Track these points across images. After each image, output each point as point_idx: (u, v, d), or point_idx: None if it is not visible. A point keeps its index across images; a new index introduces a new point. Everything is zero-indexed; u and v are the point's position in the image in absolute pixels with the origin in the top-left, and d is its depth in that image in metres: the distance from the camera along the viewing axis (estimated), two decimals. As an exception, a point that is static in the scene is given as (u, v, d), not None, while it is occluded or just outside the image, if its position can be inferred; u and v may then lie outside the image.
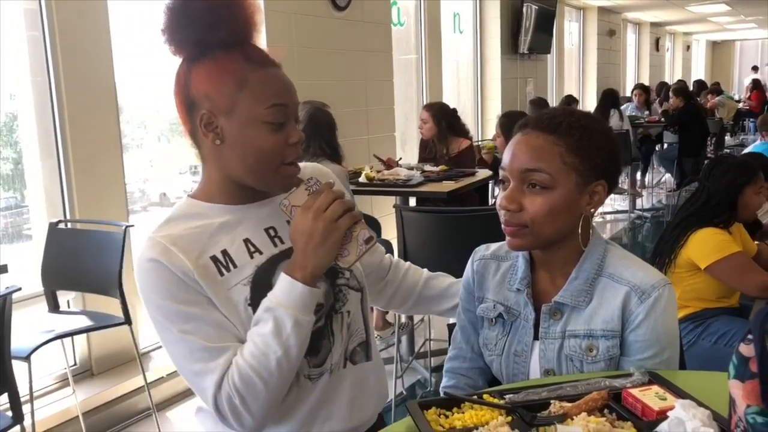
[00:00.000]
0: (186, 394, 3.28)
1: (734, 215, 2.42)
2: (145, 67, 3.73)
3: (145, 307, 1.10)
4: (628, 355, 1.17)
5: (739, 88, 18.24)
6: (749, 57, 20.62)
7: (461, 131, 4.63)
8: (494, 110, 7.28)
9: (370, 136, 4.96)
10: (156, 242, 1.08)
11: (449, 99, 6.42)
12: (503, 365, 1.25)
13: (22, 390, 2.08)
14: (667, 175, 8.39)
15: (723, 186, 2.41)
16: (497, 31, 7.37)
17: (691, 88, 11.09)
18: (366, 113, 4.94)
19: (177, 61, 1.13)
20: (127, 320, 2.64)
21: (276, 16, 3.99)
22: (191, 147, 1.16)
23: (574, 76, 10.64)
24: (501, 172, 1.19)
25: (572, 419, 0.92)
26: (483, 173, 4.07)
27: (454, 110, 4.72)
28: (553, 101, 8.77)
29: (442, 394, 1.26)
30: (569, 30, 10.15)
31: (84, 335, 2.98)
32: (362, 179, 3.69)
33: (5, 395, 1.97)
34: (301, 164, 1.17)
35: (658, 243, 2.53)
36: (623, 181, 7.17)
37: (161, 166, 4.48)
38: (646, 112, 8.85)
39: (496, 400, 1.01)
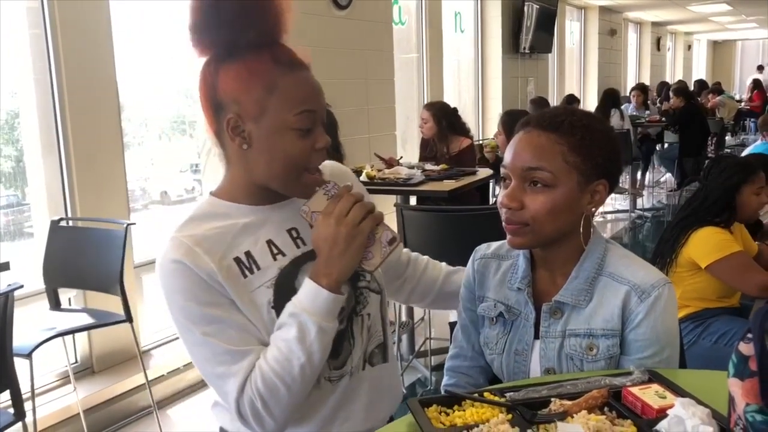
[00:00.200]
0: (187, 392, 3.29)
1: (734, 215, 2.42)
2: (147, 65, 3.74)
3: (168, 308, 1.09)
4: (628, 354, 1.17)
5: (740, 87, 18.23)
6: (750, 57, 20.61)
7: (462, 130, 4.64)
8: (495, 109, 7.29)
9: (371, 135, 4.96)
10: (180, 242, 1.07)
11: (450, 98, 6.43)
12: (504, 364, 1.25)
13: (24, 387, 2.08)
14: (668, 175, 8.39)
15: (720, 185, 2.42)
16: (498, 31, 7.37)
17: (691, 88, 11.10)
18: (367, 112, 4.94)
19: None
20: (128, 318, 2.64)
21: (277, 15, 3.99)
22: (215, 146, 1.15)
23: (575, 75, 10.64)
24: (502, 170, 1.20)
25: (572, 417, 0.93)
26: (484, 172, 4.07)
27: (455, 109, 4.72)
28: (554, 101, 8.77)
29: (443, 392, 1.27)
30: (570, 29, 10.15)
31: (85, 333, 2.99)
32: (363, 178, 3.69)
33: (7, 392, 1.97)
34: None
35: (659, 244, 2.53)
36: (624, 181, 7.17)
37: (162, 165, 4.48)
38: (647, 112, 8.85)
39: (496, 398, 1.01)
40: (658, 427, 0.89)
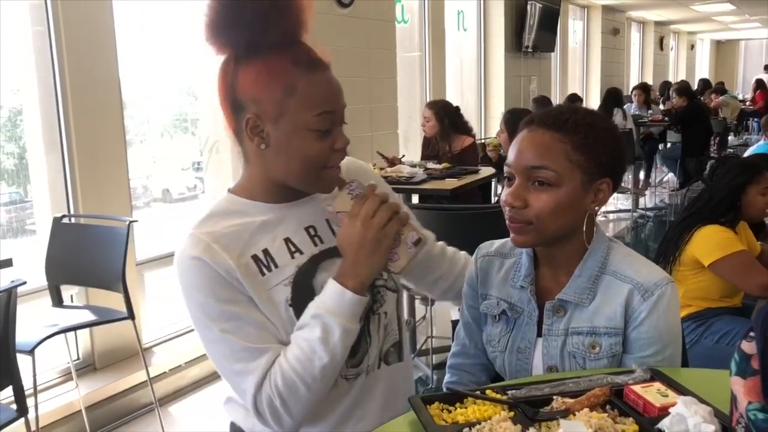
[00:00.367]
0: (188, 390, 3.29)
1: (738, 215, 2.42)
2: (149, 63, 3.74)
3: (186, 305, 1.10)
4: (630, 353, 1.17)
5: (743, 87, 18.20)
6: (754, 57, 20.57)
7: (464, 129, 4.63)
8: (497, 108, 7.28)
9: (373, 134, 4.96)
10: (198, 239, 1.08)
11: (452, 97, 6.42)
12: (506, 362, 1.25)
13: (26, 383, 2.08)
14: (670, 175, 8.38)
15: (725, 184, 2.42)
16: (501, 29, 7.37)
17: (695, 87, 11.07)
18: (369, 110, 4.94)
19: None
20: (131, 315, 2.64)
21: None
22: (234, 144, 1.15)
23: (578, 74, 10.62)
24: (506, 169, 1.19)
25: (574, 415, 0.93)
26: (486, 171, 4.07)
27: (457, 108, 4.72)
28: (557, 100, 8.76)
29: (445, 390, 1.27)
30: (573, 28, 10.14)
31: (87, 330, 2.99)
32: (365, 176, 3.68)
33: (10, 388, 1.98)
34: None
35: (662, 243, 2.53)
36: (626, 181, 7.16)
37: (164, 162, 4.48)
38: (649, 111, 8.83)
39: (498, 396, 1.02)
40: (659, 425, 0.89)
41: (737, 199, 2.40)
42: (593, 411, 0.94)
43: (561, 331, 1.19)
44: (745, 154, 3.61)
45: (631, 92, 9.43)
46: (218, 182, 3.81)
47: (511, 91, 7.60)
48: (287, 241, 1.14)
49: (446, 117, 4.49)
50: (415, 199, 3.78)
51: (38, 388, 2.46)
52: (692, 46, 17.98)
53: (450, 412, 0.99)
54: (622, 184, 6.85)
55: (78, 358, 3.06)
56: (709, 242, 2.34)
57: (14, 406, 2.01)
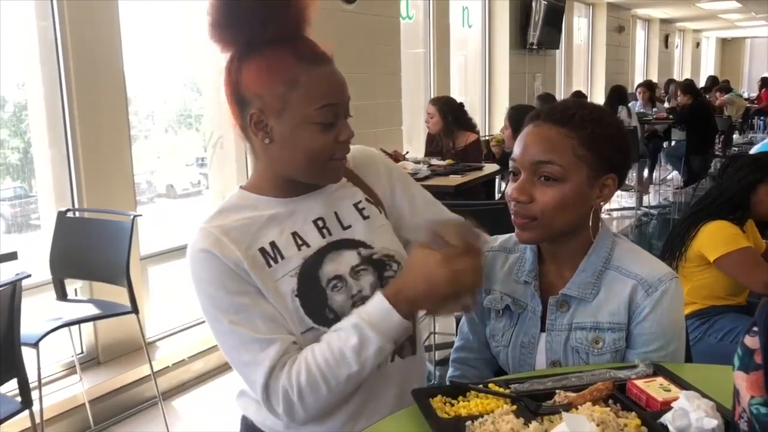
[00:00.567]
0: (192, 384, 3.30)
1: (747, 213, 2.41)
2: (154, 58, 3.75)
3: (197, 297, 1.11)
4: (633, 348, 1.17)
5: (748, 85, 18.13)
6: (759, 55, 20.49)
7: (468, 125, 4.63)
8: (502, 105, 7.27)
9: (377, 130, 4.96)
10: (208, 233, 1.10)
11: (457, 93, 6.41)
12: (510, 356, 1.25)
13: (31, 376, 2.09)
14: (674, 173, 8.36)
15: (736, 183, 2.40)
16: (506, 26, 7.35)
17: (702, 84, 11.01)
18: (373, 107, 4.93)
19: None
20: (134, 309, 2.65)
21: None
22: (243, 141, 1.16)
23: (583, 72, 10.60)
24: (511, 164, 1.19)
25: (577, 409, 0.93)
26: (490, 167, 4.07)
27: (461, 104, 4.71)
28: (561, 97, 8.74)
29: (447, 383, 1.27)
30: (578, 25, 10.11)
31: (91, 323, 3.00)
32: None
33: (14, 381, 1.99)
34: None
35: (668, 238, 2.52)
36: (630, 178, 7.15)
37: (168, 158, 4.49)
38: (654, 109, 8.81)
39: (501, 389, 1.02)
40: (662, 419, 0.89)
41: (747, 197, 2.39)
42: (596, 405, 0.94)
43: (564, 326, 1.19)
44: (751, 152, 3.59)
45: (636, 90, 9.42)
46: (222, 178, 3.81)
47: (516, 88, 7.59)
48: (294, 234, 1.15)
49: (450, 113, 4.49)
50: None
51: (42, 381, 2.47)
52: (698, 44, 17.92)
53: (453, 405, 0.99)
54: (626, 182, 6.85)
55: (82, 352, 3.06)
56: (716, 237, 2.33)
57: (19, 399, 2.01)
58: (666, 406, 0.92)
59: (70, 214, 2.88)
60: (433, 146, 4.67)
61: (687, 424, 0.87)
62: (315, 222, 1.17)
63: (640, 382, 1.00)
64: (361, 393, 1.15)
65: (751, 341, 0.80)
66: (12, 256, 2.35)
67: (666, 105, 9.82)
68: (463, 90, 7.24)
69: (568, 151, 1.14)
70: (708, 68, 18.80)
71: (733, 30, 17.68)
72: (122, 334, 3.10)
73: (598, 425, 0.85)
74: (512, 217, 1.19)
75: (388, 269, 1.19)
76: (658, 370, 1.05)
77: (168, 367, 3.22)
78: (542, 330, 1.22)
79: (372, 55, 4.89)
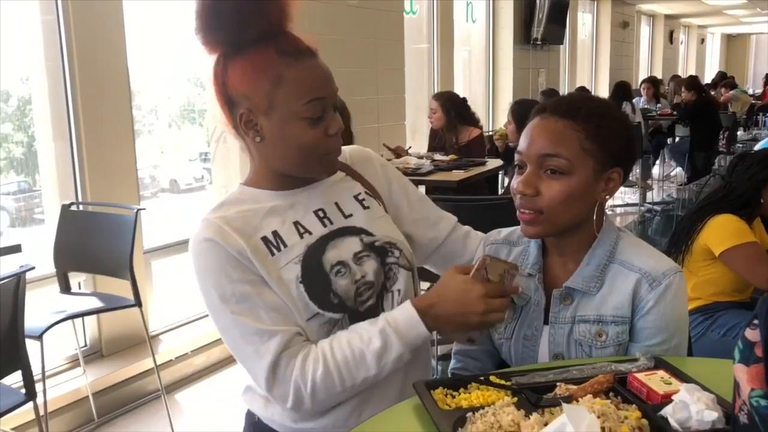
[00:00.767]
0: (195, 377, 3.32)
1: (756, 210, 2.40)
2: (157, 53, 3.75)
3: (199, 288, 1.11)
4: (636, 341, 1.18)
5: (753, 82, 18.06)
6: (764, 51, 20.42)
7: (471, 120, 4.63)
8: (506, 100, 7.26)
9: (381, 125, 4.96)
10: (211, 223, 1.11)
11: (460, 88, 6.40)
12: (512, 349, 1.25)
13: (35, 369, 2.10)
14: (678, 169, 8.34)
15: (746, 180, 2.40)
16: (510, 21, 7.34)
17: (709, 80, 10.93)
18: (377, 102, 4.93)
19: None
20: (138, 302, 2.66)
21: (288, 3, 3.99)
22: (235, 138, 1.17)
23: (587, 67, 10.57)
24: (517, 157, 1.19)
25: (578, 401, 0.93)
26: (493, 163, 4.06)
27: (464, 99, 4.71)
28: (565, 93, 8.72)
29: (449, 375, 1.28)
30: (582, 21, 10.08)
31: (94, 317, 3.02)
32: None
33: (19, 373, 2.00)
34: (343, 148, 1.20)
35: (674, 233, 2.52)
36: (633, 174, 7.13)
37: (172, 153, 4.50)
38: (658, 105, 8.79)
39: (502, 382, 1.02)
40: (662, 412, 0.90)
41: (757, 194, 2.38)
42: (596, 398, 0.94)
43: (568, 318, 1.19)
44: (755, 148, 3.58)
45: (640, 86, 9.39)
46: (225, 173, 3.82)
47: (520, 84, 7.57)
48: (296, 224, 1.16)
49: (453, 108, 4.49)
50: (421, 190, 3.78)
51: (46, 373, 2.48)
52: (702, 40, 17.85)
53: (454, 397, 1.00)
54: (630, 178, 6.84)
55: (85, 345, 3.08)
56: (723, 230, 2.33)
57: (23, 391, 2.02)
58: (667, 399, 0.92)
59: (73, 208, 2.88)
60: (437, 141, 4.67)
61: (687, 416, 0.87)
62: (316, 212, 1.18)
63: (641, 375, 1.00)
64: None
65: (752, 334, 0.80)
66: (16, 249, 2.37)
67: (672, 101, 9.78)
68: (467, 85, 7.23)
69: (575, 145, 1.14)
70: (713, 64, 18.73)
71: (738, 26, 17.61)
72: (125, 328, 3.11)
73: (598, 417, 0.85)
74: (518, 211, 1.18)
75: (390, 255, 1.20)
76: (659, 364, 1.06)
77: (171, 360, 3.23)
78: (545, 323, 1.22)
79: (376, 51, 4.89)
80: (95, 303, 2.74)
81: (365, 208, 1.22)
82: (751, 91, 13.63)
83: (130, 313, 2.77)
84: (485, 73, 7.46)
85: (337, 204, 1.20)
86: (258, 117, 1.10)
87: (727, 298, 2.41)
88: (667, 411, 0.89)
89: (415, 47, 5.83)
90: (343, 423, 1.13)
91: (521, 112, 3.89)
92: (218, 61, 1.11)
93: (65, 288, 2.79)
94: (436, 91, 5.67)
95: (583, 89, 7.77)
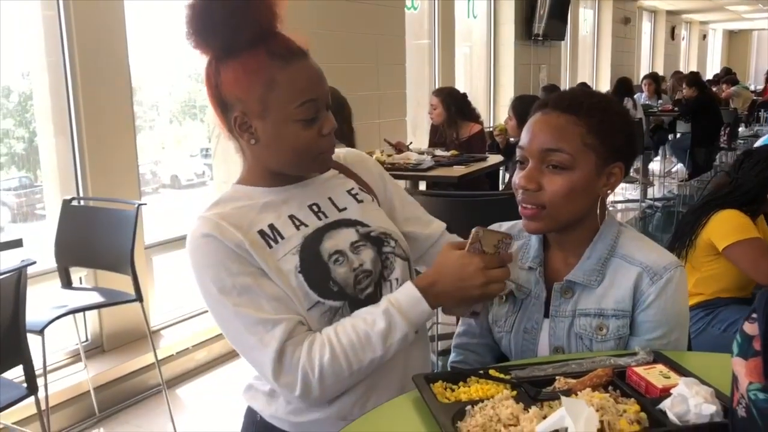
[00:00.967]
0: (196, 372, 3.32)
1: (762, 207, 2.40)
2: (158, 49, 3.75)
3: (198, 284, 1.11)
4: (636, 335, 1.18)
5: (755, 78, 18.03)
6: (766, 47, 20.37)
7: (471, 116, 4.62)
8: (507, 96, 7.25)
9: (381, 121, 4.96)
10: (208, 219, 1.12)
11: (461, 84, 6.40)
12: (512, 342, 1.26)
13: (36, 363, 2.11)
14: (679, 165, 8.33)
15: (753, 177, 2.39)
16: (511, 17, 7.33)
17: (712, 75, 10.89)
18: (378, 97, 4.93)
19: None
20: (139, 298, 2.66)
21: (289, -1, 3.99)
22: (229, 139, 1.18)
23: (588, 63, 10.56)
24: (518, 152, 1.19)
25: (576, 395, 0.93)
26: (494, 158, 4.06)
27: (464, 95, 4.70)
28: (566, 88, 8.71)
29: (449, 369, 1.28)
30: (584, 17, 10.07)
31: (96, 312, 3.02)
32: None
33: (20, 367, 2.00)
34: (338, 150, 1.21)
35: (678, 228, 2.52)
36: (635, 170, 7.13)
37: (173, 149, 4.50)
38: (660, 101, 8.78)
39: (501, 375, 1.02)
40: (661, 405, 0.90)
41: (764, 191, 2.38)
42: (595, 391, 0.94)
43: (568, 312, 1.20)
44: (756, 144, 3.57)
45: (642, 82, 9.38)
46: (226, 169, 3.82)
47: (521, 80, 7.57)
48: (292, 217, 1.16)
49: (453, 104, 4.48)
50: (422, 186, 3.78)
51: (47, 368, 2.49)
52: (704, 36, 17.82)
53: (453, 390, 1.00)
54: (631, 174, 6.83)
55: (87, 340, 3.09)
56: (727, 225, 2.33)
57: (24, 385, 2.03)
58: (665, 393, 0.93)
59: (74, 203, 2.89)
60: (437, 137, 4.66)
61: (685, 410, 0.87)
62: (310, 207, 1.19)
63: (640, 369, 1.00)
64: (371, 375, 1.15)
65: (751, 328, 0.80)
66: (17, 243, 2.37)
67: (673, 97, 9.77)
68: (468, 81, 7.23)
69: (577, 139, 1.14)
70: (714, 60, 18.70)
71: (740, 22, 17.58)
72: (127, 323, 3.12)
73: (597, 411, 0.86)
74: (519, 207, 1.18)
75: (386, 245, 1.20)
76: (658, 358, 1.06)
77: (172, 355, 3.24)
78: (546, 316, 1.22)
79: (377, 46, 4.89)
80: (96, 298, 2.75)
81: (359, 201, 1.23)
82: (752, 88, 13.62)
83: (131, 308, 2.78)
84: (486, 69, 7.45)
85: (330, 199, 1.21)
86: (252, 120, 1.11)
87: (729, 295, 2.41)
88: (665, 404, 0.89)
89: (416, 43, 5.83)
90: (348, 412, 1.14)
91: (522, 107, 3.89)
92: (210, 63, 1.12)
93: (66, 283, 2.80)
94: (436, 87, 5.67)
95: (584, 85, 7.76)
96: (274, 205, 1.17)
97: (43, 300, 2.62)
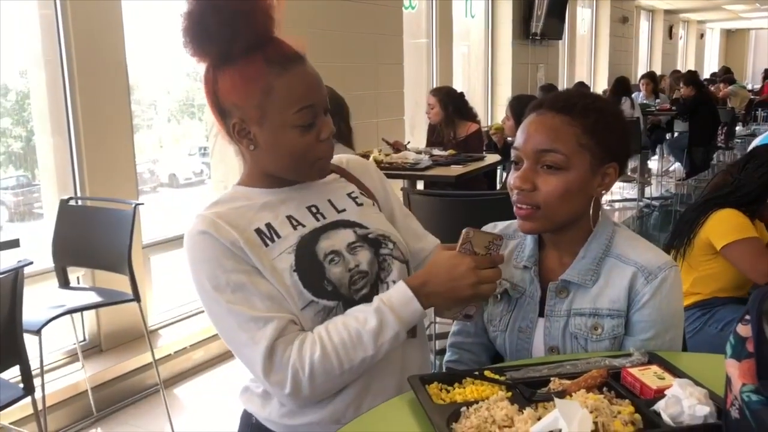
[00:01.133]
0: (193, 372, 3.32)
1: (762, 207, 2.40)
2: (156, 47, 3.74)
3: (193, 281, 1.12)
4: (631, 335, 1.18)
5: (752, 77, 18.05)
6: (763, 46, 20.40)
7: (469, 115, 4.62)
8: (504, 96, 7.25)
9: (379, 120, 4.96)
10: (205, 217, 1.13)
11: (459, 84, 6.40)
12: (507, 341, 1.26)
13: (33, 363, 2.11)
14: (677, 164, 8.34)
15: (756, 178, 2.39)
16: (509, 16, 7.33)
17: (709, 74, 10.89)
18: (375, 97, 4.93)
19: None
20: (136, 297, 2.66)
21: (287, -2, 3.98)
22: (229, 143, 1.19)
23: (586, 62, 10.56)
24: (514, 153, 1.20)
25: (571, 396, 0.94)
26: (491, 158, 4.06)
27: (461, 94, 4.70)
28: (564, 88, 8.71)
29: (444, 368, 1.28)
30: (582, 16, 10.07)
31: (93, 311, 3.02)
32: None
33: (17, 368, 2.00)
34: (341, 156, 1.23)
35: (676, 226, 2.52)
36: (632, 169, 7.14)
37: (171, 148, 4.50)
38: (657, 100, 8.79)
39: (496, 377, 1.03)
40: (655, 406, 0.90)
41: (765, 193, 2.38)
42: (590, 392, 0.95)
43: (563, 311, 1.20)
44: (753, 143, 3.58)
45: (639, 81, 9.39)
46: (224, 168, 3.82)
47: (518, 79, 7.57)
48: (289, 217, 1.17)
49: (450, 104, 4.48)
50: (420, 185, 3.79)
51: (45, 368, 2.49)
52: (702, 35, 17.84)
53: (448, 391, 1.01)
54: (629, 173, 6.84)
55: (84, 340, 3.08)
56: (726, 224, 2.33)
57: (21, 385, 2.03)
58: (660, 394, 0.93)
59: (72, 203, 2.88)
60: (435, 137, 4.66)
61: (679, 411, 0.88)
62: (308, 208, 1.20)
63: (634, 370, 1.01)
64: (365, 377, 1.15)
65: (744, 329, 0.81)
66: (14, 244, 2.37)
67: (671, 96, 9.78)
68: (466, 80, 7.23)
69: (572, 140, 1.14)
70: (712, 60, 18.73)
71: (738, 21, 17.60)
72: (124, 322, 3.12)
73: (591, 412, 0.86)
74: (514, 207, 1.19)
75: (384, 247, 1.20)
76: (652, 359, 1.06)
77: (170, 355, 3.24)
78: (540, 315, 1.23)
79: (375, 46, 4.89)
80: (94, 298, 2.75)
81: (359, 204, 1.24)
82: (749, 87, 13.63)
83: (128, 307, 2.78)
84: (484, 69, 7.45)
85: (330, 201, 1.22)
86: (250, 126, 1.12)
87: (727, 294, 2.41)
88: (659, 406, 0.90)
89: (413, 42, 5.83)
90: (341, 414, 1.14)
91: (520, 107, 3.89)
92: (208, 71, 1.13)
93: (64, 283, 2.80)
94: (434, 87, 5.67)
95: (582, 84, 7.78)
96: (272, 205, 1.17)
97: (40, 300, 2.61)
